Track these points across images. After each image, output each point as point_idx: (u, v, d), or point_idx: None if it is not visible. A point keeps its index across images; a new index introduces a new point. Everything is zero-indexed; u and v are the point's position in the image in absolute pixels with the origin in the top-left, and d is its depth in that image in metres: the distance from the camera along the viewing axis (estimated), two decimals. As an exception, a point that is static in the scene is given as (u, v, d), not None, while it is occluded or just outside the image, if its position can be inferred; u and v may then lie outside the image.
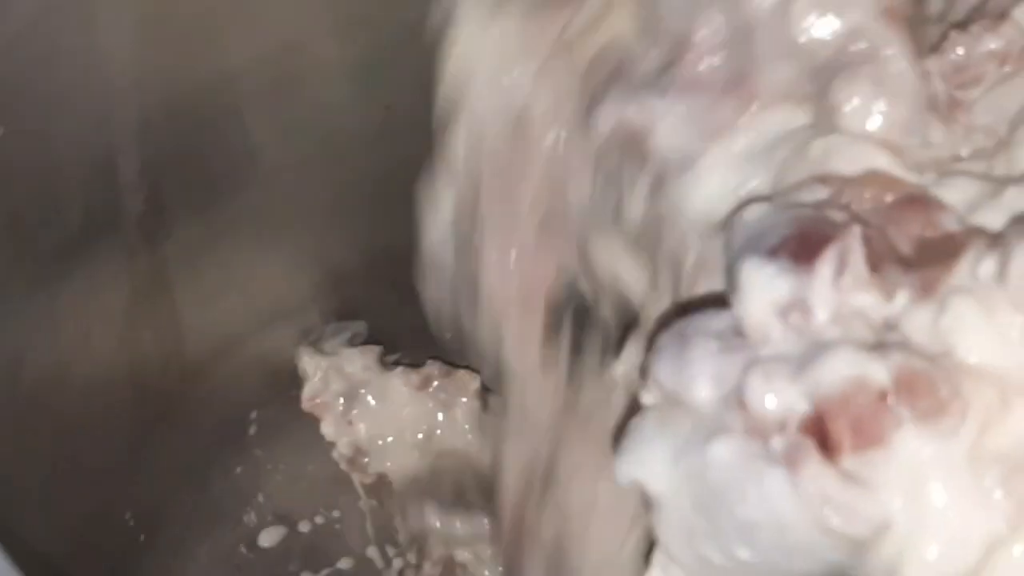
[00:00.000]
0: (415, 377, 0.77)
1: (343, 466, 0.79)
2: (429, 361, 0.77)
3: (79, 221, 0.59)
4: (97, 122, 0.59)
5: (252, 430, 0.80)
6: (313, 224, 0.74)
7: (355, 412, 0.78)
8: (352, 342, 0.81)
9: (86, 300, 0.62)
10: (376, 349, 0.79)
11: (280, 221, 0.72)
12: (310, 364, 0.78)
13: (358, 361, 0.78)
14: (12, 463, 0.58)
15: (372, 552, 0.81)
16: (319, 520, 0.83)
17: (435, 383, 0.78)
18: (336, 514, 0.84)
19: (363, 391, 0.78)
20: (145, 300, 0.67)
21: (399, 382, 0.78)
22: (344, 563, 0.81)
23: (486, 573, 0.76)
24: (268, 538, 0.79)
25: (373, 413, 0.78)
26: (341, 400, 0.78)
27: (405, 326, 0.78)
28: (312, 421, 0.80)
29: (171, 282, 0.68)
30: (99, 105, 0.58)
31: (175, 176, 0.65)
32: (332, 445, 0.81)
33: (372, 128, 0.72)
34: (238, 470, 0.80)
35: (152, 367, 0.70)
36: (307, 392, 0.77)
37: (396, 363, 0.80)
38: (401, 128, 0.71)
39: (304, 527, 0.82)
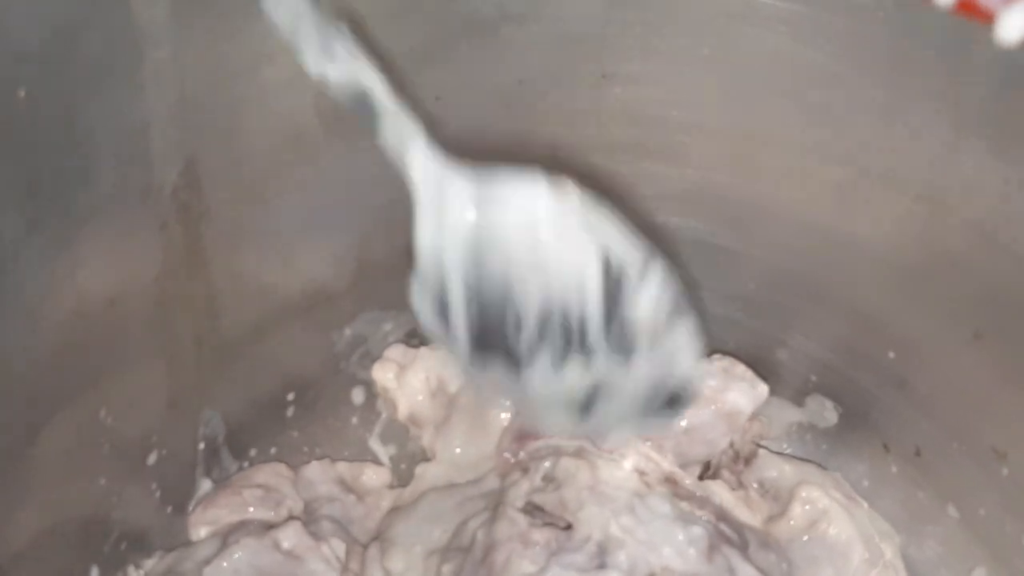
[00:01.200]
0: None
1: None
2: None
3: (108, 188, 0.59)
4: (132, 93, 0.58)
5: (290, 412, 0.80)
6: (356, 210, 0.73)
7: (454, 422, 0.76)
8: (398, 334, 0.80)
9: (113, 267, 0.62)
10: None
11: (322, 204, 0.71)
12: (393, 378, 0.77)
13: (446, 363, 0.76)
14: (30, 426, 0.58)
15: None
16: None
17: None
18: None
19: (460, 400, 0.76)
20: (179, 274, 0.67)
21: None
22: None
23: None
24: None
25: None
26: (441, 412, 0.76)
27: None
28: (349, 405, 0.79)
29: (207, 258, 0.68)
30: (134, 76, 0.58)
31: (213, 152, 0.64)
32: (368, 432, 0.80)
33: (421, 117, 0.71)
34: (272, 451, 0.80)
35: (185, 341, 0.70)
36: (404, 408, 0.76)
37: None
38: (450, 119, 0.70)
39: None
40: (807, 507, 0.73)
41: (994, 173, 0.64)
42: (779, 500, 0.75)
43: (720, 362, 0.74)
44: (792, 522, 0.74)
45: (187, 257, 0.67)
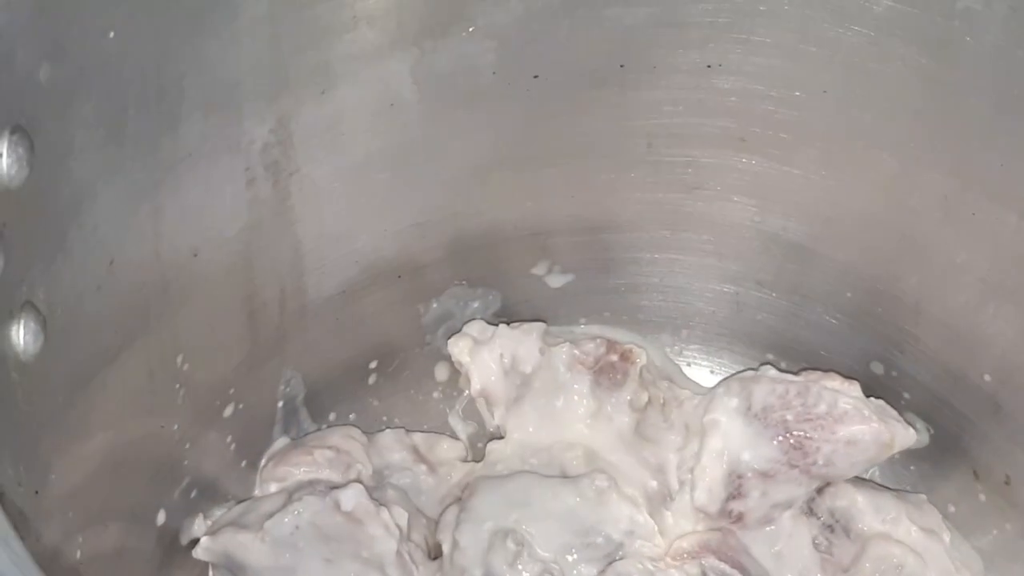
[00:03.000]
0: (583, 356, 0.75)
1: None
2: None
3: (195, 138, 0.60)
4: (225, 46, 0.59)
5: (371, 379, 0.80)
6: (448, 181, 0.73)
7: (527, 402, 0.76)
8: (485, 313, 0.80)
9: (197, 217, 0.63)
10: (540, 327, 0.77)
11: (415, 174, 0.72)
12: (467, 352, 0.77)
13: (523, 342, 0.76)
14: (99, 359, 0.59)
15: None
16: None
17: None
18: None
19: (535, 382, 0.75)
20: (265, 230, 0.68)
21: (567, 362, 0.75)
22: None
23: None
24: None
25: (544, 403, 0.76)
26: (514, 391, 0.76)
27: (532, 294, 0.78)
28: (432, 380, 0.79)
29: (295, 217, 0.69)
30: (228, 29, 0.59)
31: (305, 112, 0.65)
32: (449, 408, 0.80)
33: (519, 95, 0.71)
34: (351, 417, 0.80)
35: (268, 298, 0.71)
36: (476, 383, 0.76)
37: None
38: (548, 98, 0.70)
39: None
40: (880, 565, 0.71)
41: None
42: (849, 536, 0.73)
43: (876, 401, 0.72)
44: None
45: (274, 214, 0.67)
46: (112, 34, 0.53)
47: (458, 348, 0.76)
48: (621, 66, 0.70)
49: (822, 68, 0.67)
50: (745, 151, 0.72)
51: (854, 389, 0.73)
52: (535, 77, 0.69)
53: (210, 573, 0.71)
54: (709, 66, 0.69)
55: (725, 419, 0.73)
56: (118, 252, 0.58)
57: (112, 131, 0.55)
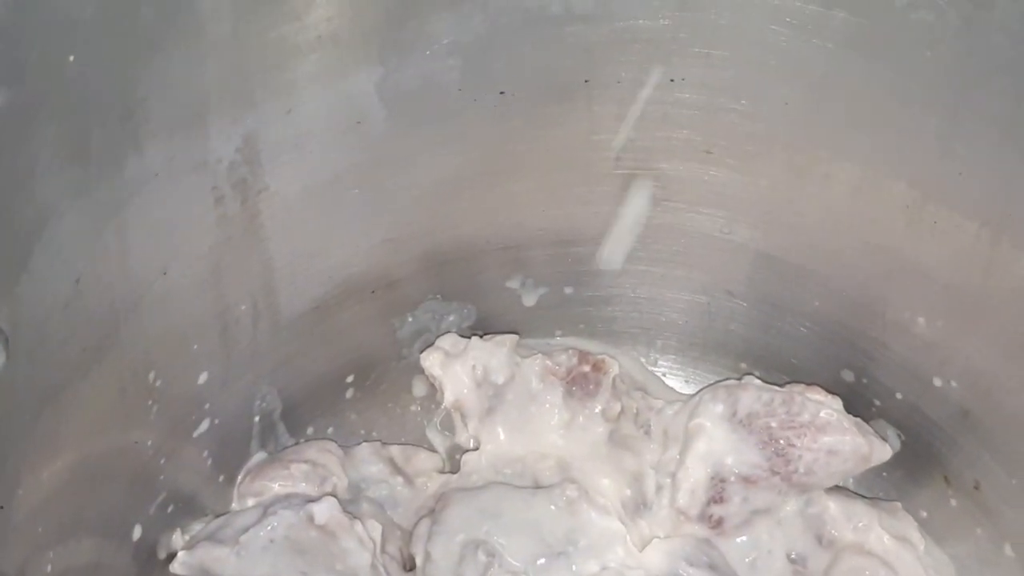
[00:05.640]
0: (555, 367, 0.76)
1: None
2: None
3: (161, 158, 0.61)
4: (189, 66, 0.60)
5: (349, 393, 0.81)
6: (418, 197, 0.74)
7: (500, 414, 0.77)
8: (460, 327, 0.81)
9: (166, 236, 0.64)
10: (512, 339, 0.78)
11: (384, 190, 0.73)
12: (439, 365, 0.78)
13: (495, 354, 0.77)
14: (67, 374, 0.60)
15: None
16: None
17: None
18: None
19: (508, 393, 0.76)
20: (235, 247, 0.69)
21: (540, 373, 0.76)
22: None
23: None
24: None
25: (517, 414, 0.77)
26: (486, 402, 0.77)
27: (507, 307, 0.79)
28: (409, 393, 0.80)
29: (265, 235, 0.70)
30: (191, 50, 0.60)
31: (272, 130, 0.66)
32: (427, 421, 0.81)
33: (486, 111, 0.72)
34: (330, 431, 0.81)
35: (242, 316, 0.72)
36: (449, 395, 0.77)
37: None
38: (515, 113, 0.71)
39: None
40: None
41: (1059, 203, 0.61)
42: (821, 543, 0.73)
43: (854, 418, 0.74)
44: None
45: (244, 232, 0.68)
46: (72, 58, 0.54)
47: (430, 361, 0.76)
48: (586, 81, 0.71)
49: (783, 81, 0.68)
50: (711, 163, 0.73)
51: (836, 403, 0.74)
52: (501, 93, 0.70)
53: (188, 588, 0.72)
54: (672, 80, 0.70)
55: (711, 424, 0.74)
56: (85, 270, 0.59)
57: (75, 152, 0.56)
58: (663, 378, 0.85)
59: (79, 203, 0.57)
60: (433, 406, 0.83)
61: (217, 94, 0.62)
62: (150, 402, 0.67)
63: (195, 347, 0.70)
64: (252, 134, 0.65)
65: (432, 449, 0.82)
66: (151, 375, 0.66)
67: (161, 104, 0.60)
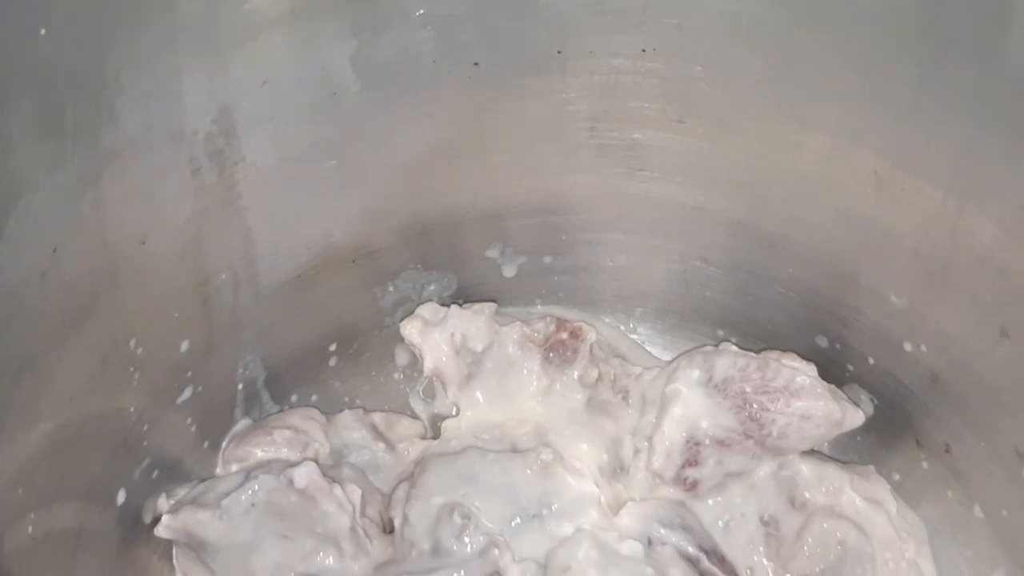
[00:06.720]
0: (533, 334, 0.77)
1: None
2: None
3: (136, 130, 0.62)
4: (162, 41, 0.61)
5: (332, 362, 0.82)
6: (395, 168, 0.75)
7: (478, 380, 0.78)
8: (441, 296, 0.82)
9: (143, 206, 0.65)
10: (491, 307, 0.79)
11: (361, 161, 0.74)
12: (418, 333, 0.79)
13: (474, 322, 0.78)
14: (47, 343, 0.61)
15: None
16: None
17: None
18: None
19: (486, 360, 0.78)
20: (213, 217, 0.70)
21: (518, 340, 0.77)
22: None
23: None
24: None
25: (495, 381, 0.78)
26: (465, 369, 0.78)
27: (487, 277, 0.80)
28: (392, 362, 0.82)
29: (243, 205, 0.71)
30: (165, 24, 0.61)
31: (248, 102, 0.67)
32: (410, 389, 0.82)
33: (460, 82, 0.73)
34: (313, 399, 0.83)
35: (223, 285, 0.73)
36: (428, 363, 0.78)
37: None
38: (490, 85, 0.72)
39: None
40: (822, 540, 0.73)
41: (1020, 170, 0.62)
42: (794, 505, 0.75)
43: (828, 385, 0.75)
44: (807, 556, 0.74)
45: (222, 202, 0.70)
46: (44, 31, 0.55)
47: (410, 329, 0.78)
48: (559, 52, 0.72)
49: (753, 51, 0.69)
50: (684, 132, 0.74)
51: (810, 369, 0.75)
52: (475, 64, 0.71)
53: (174, 551, 0.73)
54: (644, 50, 0.71)
55: (687, 389, 0.75)
56: (61, 240, 0.60)
57: (50, 125, 0.57)
58: (643, 345, 0.86)
59: (55, 174, 0.59)
60: (416, 374, 0.84)
61: (191, 67, 0.63)
62: (132, 369, 0.68)
63: (176, 316, 0.70)
64: (227, 106, 0.66)
65: (415, 416, 0.83)
66: (132, 343, 0.68)
67: (135, 77, 0.61)
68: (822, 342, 0.79)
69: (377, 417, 0.81)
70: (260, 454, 0.76)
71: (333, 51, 0.68)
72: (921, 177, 0.68)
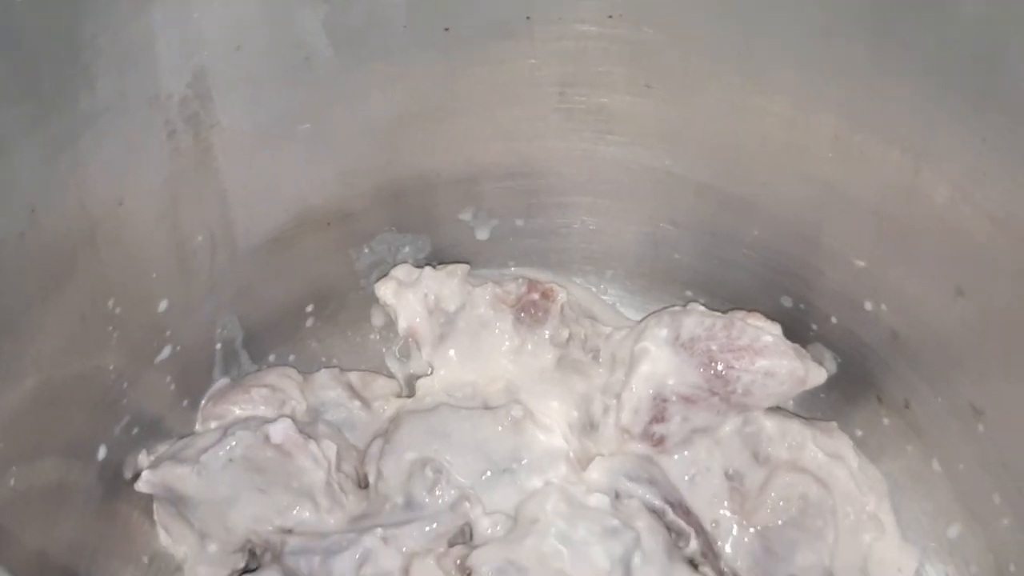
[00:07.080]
0: (505, 294, 0.80)
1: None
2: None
3: (112, 93, 0.64)
4: (137, 5, 0.63)
5: (309, 322, 0.84)
6: (368, 131, 0.77)
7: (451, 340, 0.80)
8: (416, 258, 0.84)
9: (120, 168, 0.67)
10: (464, 268, 0.81)
11: (334, 124, 0.75)
12: (392, 294, 0.81)
13: (447, 283, 0.80)
14: (32, 307, 0.63)
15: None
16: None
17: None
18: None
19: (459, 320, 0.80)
20: (189, 178, 0.71)
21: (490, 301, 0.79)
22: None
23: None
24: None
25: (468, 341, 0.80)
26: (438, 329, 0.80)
27: (460, 239, 0.82)
28: (368, 323, 0.84)
29: (219, 167, 0.73)
30: (139, -11, 0.62)
31: (222, 66, 0.69)
32: (386, 349, 0.84)
33: (431, 47, 0.74)
34: (291, 358, 0.84)
35: (200, 247, 0.75)
36: (402, 323, 0.80)
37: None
38: (460, 50, 0.73)
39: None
40: (784, 493, 0.76)
41: (973, 132, 0.64)
42: (758, 460, 0.77)
43: (793, 344, 0.77)
44: (769, 509, 0.76)
45: (198, 165, 0.71)
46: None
47: (384, 290, 0.80)
48: (528, 18, 0.73)
49: (716, 16, 0.71)
50: (651, 97, 0.76)
51: (775, 328, 0.77)
52: (446, 30, 0.73)
53: (154, 505, 0.76)
54: (610, 16, 0.73)
55: (655, 348, 0.77)
56: (40, 201, 0.62)
57: (27, 89, 0.59)
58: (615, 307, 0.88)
59: (32, 137, 0.60)
60: (392, 335, 0.86)
61: (165, 32, 0.65)
62: (110, 328, 0.70)
63: (154, 276, 0.72)
64: (202, 70, 0.68)
65: (390, 376, 0.85)
66: (111, 303, 0.69)
67: (111, 41, 0.62)
68: (787, 302, 0.81)
69: (353, 376, 0.83)
70: (238, 411, 0.78)
71: (305, 16, 0.69)
72: (879, 139, 0.70)
